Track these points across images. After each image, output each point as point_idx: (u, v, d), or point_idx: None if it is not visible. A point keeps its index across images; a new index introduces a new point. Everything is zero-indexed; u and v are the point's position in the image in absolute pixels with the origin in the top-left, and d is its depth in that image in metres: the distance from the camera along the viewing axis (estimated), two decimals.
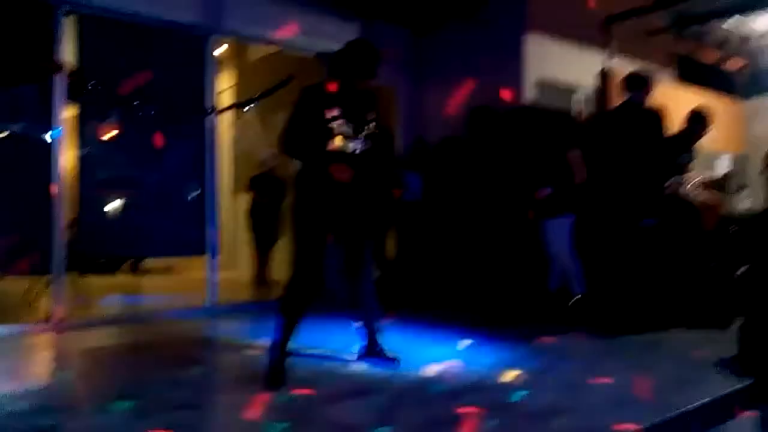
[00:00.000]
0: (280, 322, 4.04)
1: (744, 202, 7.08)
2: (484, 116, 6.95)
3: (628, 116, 5.77)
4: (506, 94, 6.98)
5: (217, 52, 7.06)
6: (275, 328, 4.04)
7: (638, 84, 5.79)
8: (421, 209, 7.34)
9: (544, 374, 4.12)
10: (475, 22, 7.85)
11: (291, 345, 4.07)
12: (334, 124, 4.02)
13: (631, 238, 5.60)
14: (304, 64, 7.87)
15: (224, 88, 9.91)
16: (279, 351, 4.01)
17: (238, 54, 10.18)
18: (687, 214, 5.74)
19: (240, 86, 10.09)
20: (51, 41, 5.75)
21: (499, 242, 6.59)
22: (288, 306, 4.06)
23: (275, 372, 3.92)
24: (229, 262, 10.96)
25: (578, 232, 6.13)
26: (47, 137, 5.79)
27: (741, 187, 7.31)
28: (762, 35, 7.59)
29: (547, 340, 5.15)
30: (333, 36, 7.39)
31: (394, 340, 4.71)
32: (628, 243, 5.61)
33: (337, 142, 4.02)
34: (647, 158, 5.64)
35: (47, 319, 5.80)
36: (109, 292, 8.40)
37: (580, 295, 6.02)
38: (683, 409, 3.39)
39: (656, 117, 5.69)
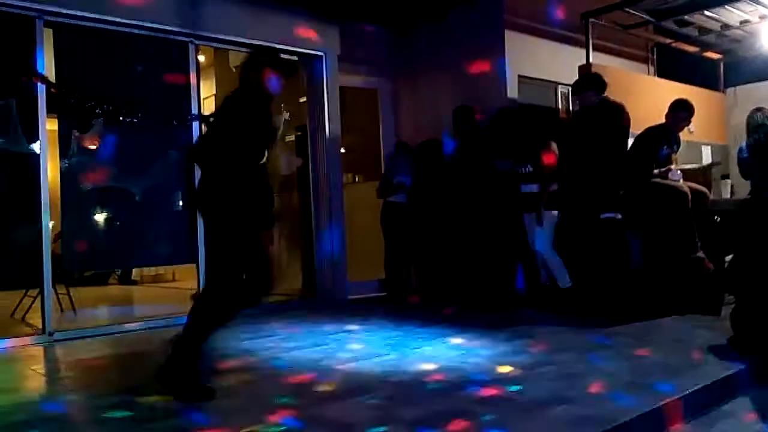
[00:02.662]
0: (211, 326, 3.69)
1: (727, 191, 7.14)
2: (469, 115, 6.97)
3: (593, 114, 5.97)
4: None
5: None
6: (202, 332, 3.68)
7: (595, 83, 6.00)
8: (408, 210, 7.37)
9: (539, 366, 4.14)
10: (453, 22, 7.89)
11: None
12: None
13: (612, 230, 5.69)
14: None
15: (207, 95, 9.90)
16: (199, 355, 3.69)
17: (219, 60, 10.16)
18: (674, 202, 5.78)
19: (222, 93, 10.06)
20: (31, 53, 5.72)
21: (488, 239, 6.61)
22: (228, 312, 3.72)
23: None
24: None
25: (563, 227, 6.17)
26: (32, 150, 5.74)
27: (723, 177, 7.37)
28: (741, 23, 7.65)
29: (541, 333, 5.18)
30: (314, 40, 7.42)
31: (390, 336, 4.75)
32: (609, 234, 5.70)
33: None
34: (614, 152, 5.77)
35: (38, 332, 5.77)
36: (99, 304, 8.37)
37: (568, 288, 6.07)
38: (679, 395, 3.41)
39: (617, 111, 5.85)
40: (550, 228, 6.12)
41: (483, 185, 6.63)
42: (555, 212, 6.14)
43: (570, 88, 7.78)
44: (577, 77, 6.77)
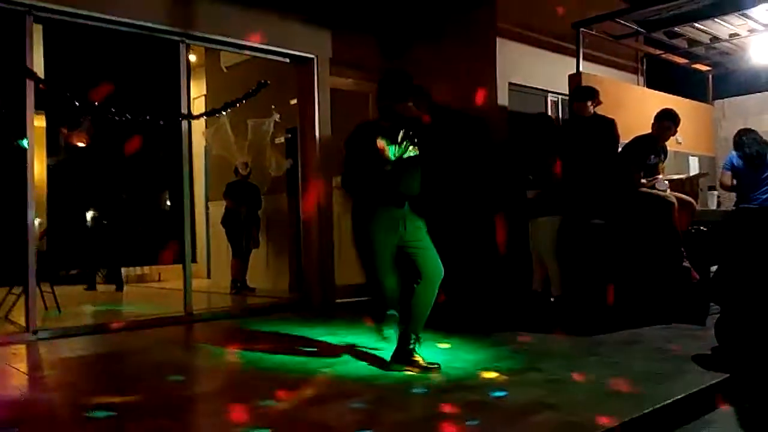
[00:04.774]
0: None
1: (713, 202, 7.19)
2: (461, 121, 6.97)
3: (586, 125, 6.04)
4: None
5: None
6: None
7: (593, 96, 6.08)
8: None
9: (524, 373, 4.14)
10: (446, 28, 7.90)
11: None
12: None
13: (599, 237, 5.72)
14: (277, 70, 7.86)
15: (197, 95, 9.86)
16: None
17: (210, 60, 10.14)
18: (660, 211, 5.81)
19: (212, 93, 10.04)
20: (20, 49, 5.68)
21: (480, 244, 6.61)
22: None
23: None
24: (205, 270, 10.89)
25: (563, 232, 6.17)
26: (20, 146, 5.71)
27: (710, 188, 7.42)
28: (731, 36, 7.72)
29: (527, 339, 5.19)
30: (306, 42, 7.42)
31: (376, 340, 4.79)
32: (598, 241, 5.73)
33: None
34: (603, 162, 5.83)
35: (21, 330, 5.73)
36: (84, 302, 8.31)
37: (558, 296, 6.07)
38: (662, 403, 3.42)
39: (610, 125, 5.95)
40: (553, 233, 6.12)
41: (481, 191, 6.63)
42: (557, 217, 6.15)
43: (560, 97, 7.86)
44: (567, 86, 6.80)
